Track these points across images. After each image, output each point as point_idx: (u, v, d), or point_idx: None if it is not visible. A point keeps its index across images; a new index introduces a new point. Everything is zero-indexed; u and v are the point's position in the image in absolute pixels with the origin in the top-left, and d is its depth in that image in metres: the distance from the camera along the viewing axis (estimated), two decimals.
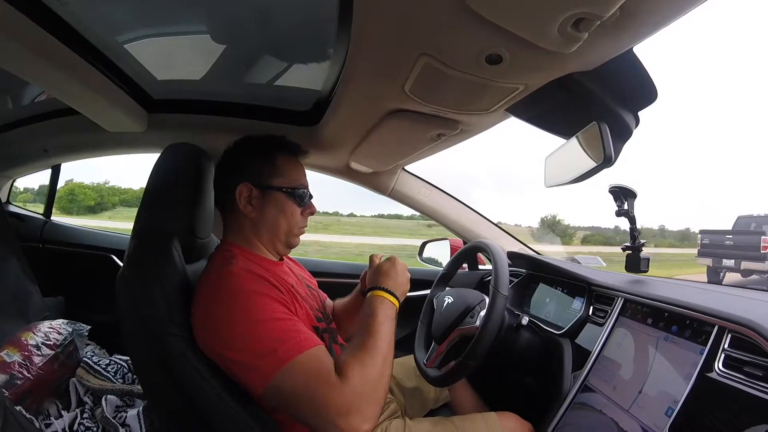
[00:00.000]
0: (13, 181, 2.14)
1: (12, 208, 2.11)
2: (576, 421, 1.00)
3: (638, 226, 1.23)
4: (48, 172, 2.09)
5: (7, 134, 1.60)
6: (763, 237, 7.86)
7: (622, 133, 0.91)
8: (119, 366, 1.63)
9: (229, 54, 1.14)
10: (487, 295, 1.08)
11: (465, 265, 1.93)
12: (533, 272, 1.55)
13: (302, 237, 1.10)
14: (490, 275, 1.10)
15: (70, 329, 1.59)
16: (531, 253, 1.82)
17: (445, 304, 1.17)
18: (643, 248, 1.23)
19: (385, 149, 1.37)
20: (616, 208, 1.21)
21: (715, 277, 8.46)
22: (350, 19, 0.68)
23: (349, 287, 1.33)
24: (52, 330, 1.53)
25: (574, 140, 0.96)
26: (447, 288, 1.33)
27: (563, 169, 1.05)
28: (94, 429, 1.38)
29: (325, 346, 0.90)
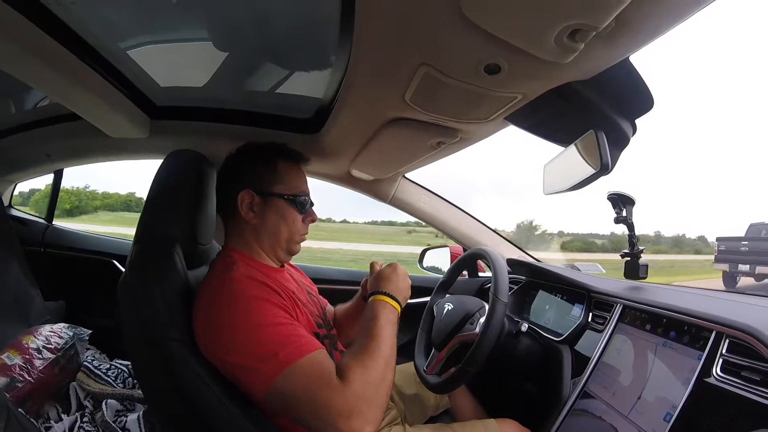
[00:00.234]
0: (15, 185, 2.15)
1: (14, 212, 2.12)
2: (575, 428, 1.00)
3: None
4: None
5: (9, 138, 1.61)
6: None
7: (619, 141, 0.92)
8: (120, 371, 1.63)
9: (231, 61, 1.15)
10: (487, 302, 1.08)
11: (465, 273, 1.94)
12: (533, 279, 1.55)
13: None
14: (489, 282, 1.10)
15: (71, 333, 1.59)
16: (531, 260, 1.83)
17: (444, 311, 1.17)
18: (641, 255, 1.24)
19: (386, 157, 1.38)
20: (615, 215, 1.22)
21: (731, 281, 8.81)
22: (352, 28, 0.69)
23: (350, 294, 1.33)
24: (53, 334, 1.53)
25: (572, 148, 0.97)
26: (447, 295, 1.33)
27: (561, 177, 1.06)
28: None
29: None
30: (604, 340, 1.07)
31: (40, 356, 1.42)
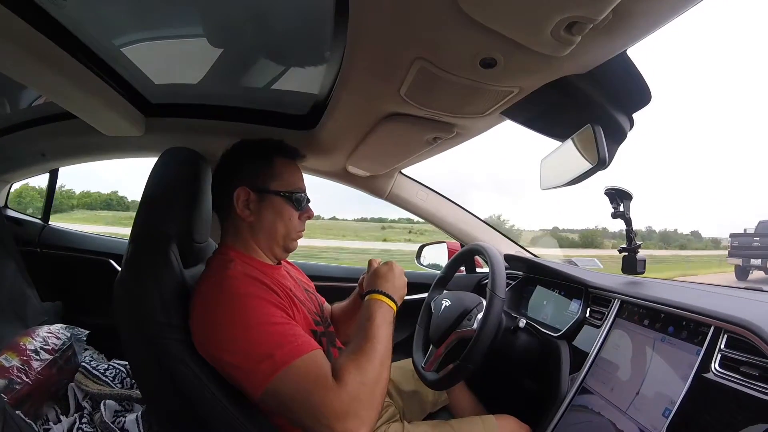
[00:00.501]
0: (11, 185, 2.13)
1: (10, 213, 2.11)
2: (574, 423, 1.00)
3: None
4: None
5: (4, 138, 1.60)
6: None
7: (617, 136, 0.92)
8: (118, 371, 1.63)
9: (226, 58, 1.14)
10: (485, 297, 1.08)
11: (462, 268, 1.94)
12: (530, 275, 1.55)
13: None
14: (487, 278, 1.10)
15: (69, 334, 1.59)
16: (528, 255, 1.82)
17: (442, 308, 1.17)
18: (639, 250, 1.23)
19: (382, 153, 1.38)
20: (612, 210, 1.22)
21: (743, 275, 9.71)
22: (346, 23, 0.69)
23: (347, 291, 1.33)
24: (50, 335, 1.53)
25: (569, 143, 0.97)
26: (444, 291, 1.33)
27: (558, 172, 1.06)
28: None
29: (323, 349, 0.90)
30: (602, 336, 1.06)
31: (37, 357, 1.42)
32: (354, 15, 0.65)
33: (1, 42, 0.85)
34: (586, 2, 0.50)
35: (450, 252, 2.01)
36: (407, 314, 1.29)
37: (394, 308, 0.98)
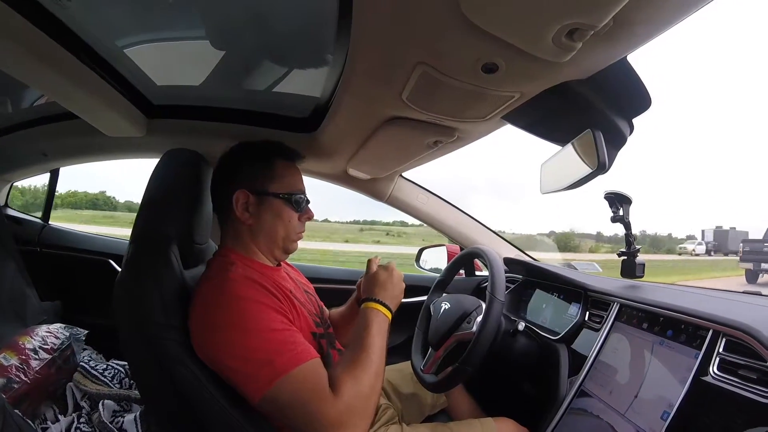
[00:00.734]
0: (12, 184, 2.14)
1: (10, 212, 2.11)
2: (573, 426, 1.00)
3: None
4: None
5: (5, 138, 1.60)
6: None
7: (617, 141, 0.92)
8: (116, 371, 1.63)
9: (228, 60, 1.15)
10: (484, 301, 1.08)
11: (462, 271, 1.94)
12: (530, 278, 1.55)
13: None
14: (486, 281, 1.10)
15: (68, 333, 1.59)
16: (527, 259, 1.83)
17: (441, 310, 1.18)
18: (638, 254, 1.24)
19: (383, 156, 1.38)
20: (612, 214, 1.22)
21: (753, 278, 10.55)
22: (349, 26, 0.69)
23: (346, 293, 1.33)
24: (49, 334, 1.53)
25: (569, 147, 0.97)
26: (444, 294, 1.33)
27: (558, 176, 1.06)
28: None
29: (323, 351, 0.90)
30: (601, 339, 1.07)
31: (36, 357, 1.42)
32: (357, 19, 0.66)
33: (4, 41, 0.86)
34: (588, 9, 0.51)
35: (449, 255, 2.01)
36: (406, 317, 1.29)
37: (389, 316, 0.99)
